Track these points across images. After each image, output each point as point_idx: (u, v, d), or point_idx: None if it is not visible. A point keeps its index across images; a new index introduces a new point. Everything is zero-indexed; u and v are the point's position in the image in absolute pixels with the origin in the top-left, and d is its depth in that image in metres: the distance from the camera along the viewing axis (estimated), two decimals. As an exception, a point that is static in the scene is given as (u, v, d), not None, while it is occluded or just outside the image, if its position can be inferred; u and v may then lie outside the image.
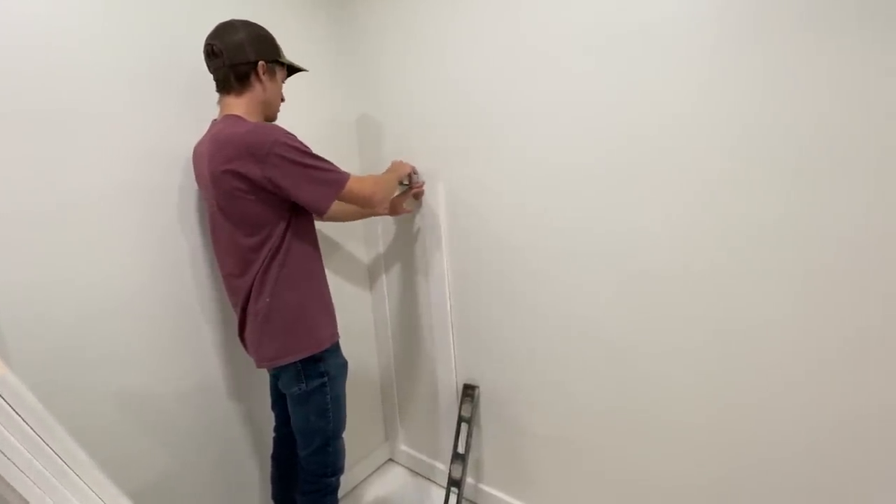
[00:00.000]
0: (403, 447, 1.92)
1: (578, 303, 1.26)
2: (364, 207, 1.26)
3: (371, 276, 1.83)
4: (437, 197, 1.50)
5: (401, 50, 1.49)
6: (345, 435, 1.26)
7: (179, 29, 1.19)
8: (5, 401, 0.52)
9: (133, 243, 1.15)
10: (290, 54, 1.20)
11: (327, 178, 1.07)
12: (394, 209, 1.54)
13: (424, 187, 1.52)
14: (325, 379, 1.15)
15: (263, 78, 1.10)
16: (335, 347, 1.19)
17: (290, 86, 1.26)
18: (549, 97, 1.20)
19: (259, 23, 1.12)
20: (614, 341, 1.22)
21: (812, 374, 0.96)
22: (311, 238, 1.18)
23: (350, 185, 1.10)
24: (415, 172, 1.50)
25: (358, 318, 1.81)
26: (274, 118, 1.19)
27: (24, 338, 0.99)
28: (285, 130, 1.03)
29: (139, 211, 1.15)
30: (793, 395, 0.98)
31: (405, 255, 1.68)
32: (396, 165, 1.42)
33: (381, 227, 1.74)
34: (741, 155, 0.95)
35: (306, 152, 1.04)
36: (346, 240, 1.73)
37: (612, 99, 1.10)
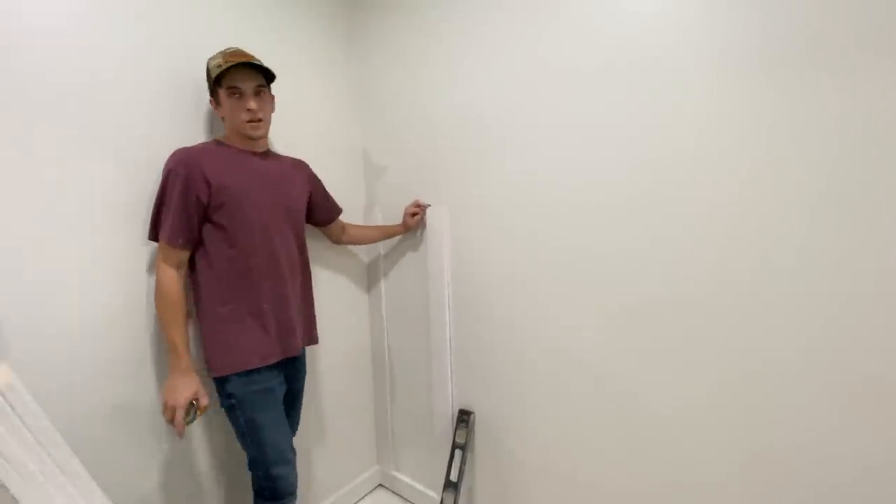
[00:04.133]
0: (395, 472, 1.88)
1: (578, 334, 1.27)
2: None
3: (371, 295, 1.84)
4: (440, 221, 1.52)
5: (410, 72, 1.55)
6: (308, 464, 1.24)
7: (198, 50, 1.23)
8: (12, 409, 0.53)
9: (141, 252, 1.16)
10: (302, 68, 1.29)
11: (156, 218, 1.10)
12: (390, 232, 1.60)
13: (428, 210, 1.55)
14: (233, 401, 1.14)
15: (218, 107, 1.18)
16: (244, 374, 1.14)
17: (300, 103, 1.34)
18: (554, 127, 1.24)
19: (275, 38, 1.29)
20: (614, 375, 1.22)
21: (831, 414, 0.94)
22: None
23: (158, 249, 1.11)
24: (419, 206, 1.54)
25: (355, 337, 1.81)
26: (246, 132, 1.17)
27: (31, 341, 1.00)
28: (174, 160, 1.09)
29: (130, 220, 1.15)
30: (811, 435, 0.97)
31: (406, 276, 1.69)
32: (174, 387, 1.09)
33: (383, 248, 1.76)
34: (749, 187, 0.97)
35: (162, 187, 1.09)
36: (347, 258, 1.75)
37: (618, 130, 1.13)
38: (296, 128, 1.50)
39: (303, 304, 1.32)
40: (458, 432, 1.54)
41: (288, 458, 1.22)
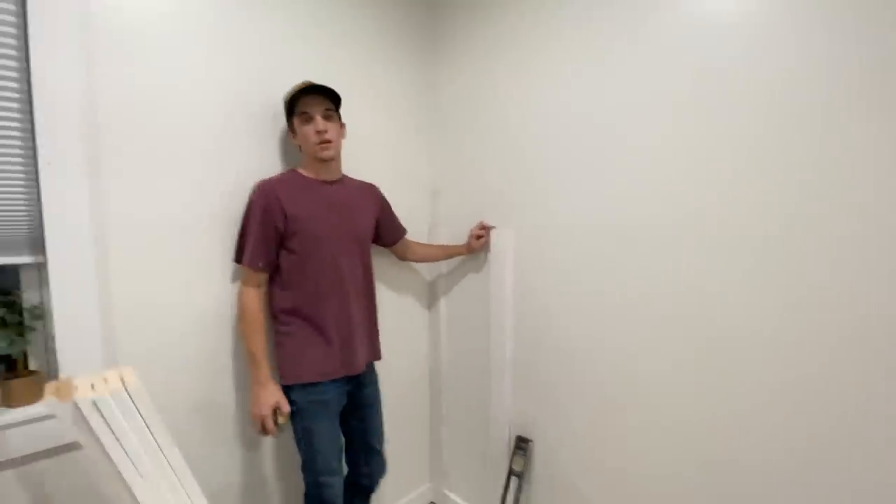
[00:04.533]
0: (447, 491, 1.88)
1: (643, 367, 1.22)
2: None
3: (431, 312, 1.87)
4: (506, 243, 1.52)
5: (482, 97, 1.57)
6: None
7: (276, 83, 1.32)
8: (137, 410, 0.60)
9: (222, 265, 1.27)
10: (375, 94, 1.46)
11: (240, 243, 1.23)
12: (454, 251, 1.63)
13: (493, 232, 1.55)
14: (294, 408, 1.22)
15: (294, 136, 1.28)
16: (306, 385, 1.22)
17: (377, 126, 1.47)
18: (630, 152, 1.20)
19: (352, 68, 1.46)
20: (688, 414, 1.15)
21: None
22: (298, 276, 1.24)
23: (241, 272, 1.24)
24: (484, 228, 1.55)
25: (413, 353, 1.84)
26: (317, 156, 1.25)
27: (133, 342, 1.13)
28: (257, 191, 1.20)
29: (221, 236, 1.26)
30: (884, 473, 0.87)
31: (468, 296, 1.70)
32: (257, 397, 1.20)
33: (446, 266, 1.78)
34: (813, 222, 0.90)
35: (246, 216, 1.22)
36: (409, 275, 1.79)
37: (682, 163, 1.09)
38: (367, 148, 1.57)
39: (367, 324, 1.37)
40: (515, 459, 1.51)
41: (334, 468, 1.27)
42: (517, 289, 1.51)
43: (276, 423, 1.18)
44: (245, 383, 1.31)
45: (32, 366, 1.09)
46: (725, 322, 1.06)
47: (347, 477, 1.41)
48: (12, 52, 0.97)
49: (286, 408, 1.19)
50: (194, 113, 1.21)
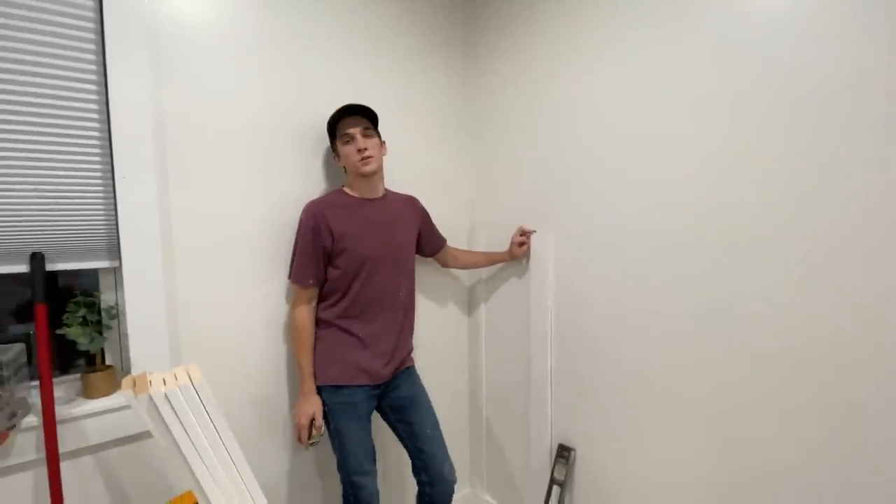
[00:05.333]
0: (487, 497, 1.87)
1: (691, 377, 1.17)
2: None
3: (471, 318, 1.87)
4: (546, 248, 1.51)
5: (524, 102, 1.58)
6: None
7: (324, 107, 1.38)
8: (204, 406, 0.65)
9: (274, 272, 1.35)
10: (414, 99, 1.52)
11: (291, 261, 1.32)
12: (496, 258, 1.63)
13: (533, 237, 1.55)
14: (326, 408, 1.28)
15: (338, 158, 1.36)
16: (335, 387, 1.28)
17: (413, 138, 1.53)
18: (677, 156, 1.17)
19: (389, 85, 1.52)
20: (730, 422, 1.09)
21: None
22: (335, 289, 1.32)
23: (292, 288, 1.32)
24: (524, 233, 1.55)
25: (453, 358, 1.85)
26: (360, 171, 1.30)
27: (194, 340, 1.22)
28: (307, 212, 1.29)
29: (272, 244, 1.35)
30: None
31: (508, 302, 1.70)
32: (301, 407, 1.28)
33: (485, 272, 1.79)
34: (874, 230, 0.83)
35: (297, 236, 1.30)
36: (449, 281, 1.81)
37: (739, 167, 1.04)
38: (405, 161, 1.61)
39: (400, 335, 1.40)
40: (556, 468, 1.49)
41: (366, 469, 1.30)
42: (559, 295, 1.50)
43: (310, 435, 1.25)
44: (295, 383, 1.37)
45: (108, 361, 1.19)
46: (780, 335, 1.01)
47: (418, 496, 1.41)
48: (92, 77, 1.08)
49: (319, 421, 1.26)
50: (247, 130, 1.30)
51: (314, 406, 1.26)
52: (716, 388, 1.13)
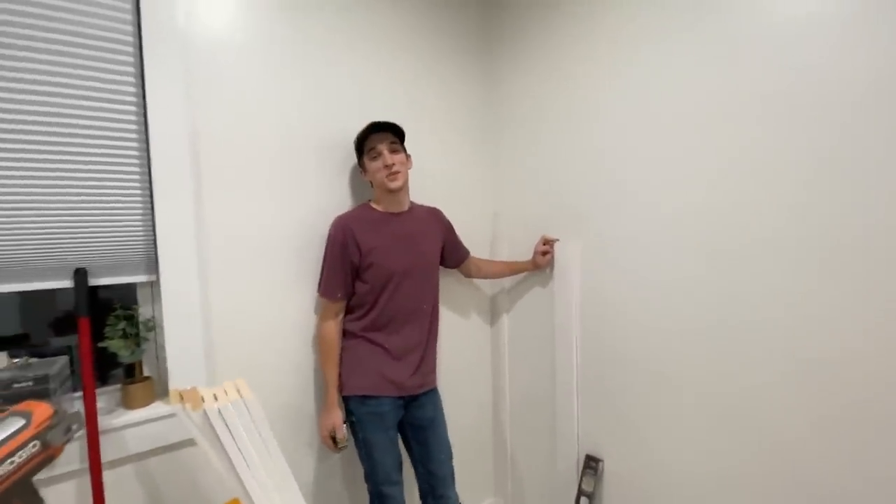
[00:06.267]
0: (511, 508, 1.86)
1: (724, 387, 1.15)
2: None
3: (493, 328, 1.88)
4: (571, 257, 1.51)
5: (542, 114, 1.59)
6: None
7: (349, 121, 1.42)
8: (252, 421, 0.66)
9: (302, 285, 1.38)
10: (445, 116, 1.53)
11: (321, 275, 1.35)
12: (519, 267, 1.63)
13: (557, 245, 1.55)
14: (353, 419, 1.31)
15: (365, 174, 1.38)
16: (362, 397, 1.30)
17: (440, 143, 1.58)
18: (710, 160, 1.17)
19: (417, 90, 1.58)
20: (763, 433, 1.08)
21: None
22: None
23: (321, 301, 1.36)
24: (547, 242, 1.55)
25: (475, 369, 1.85)
26: (387, 187, 1.32)
27: (228, 351, 1.25)
28: (335, 228, 1.32)
29: (301, 257, 1.38)
30: None
31: (531, 312, 1.70)
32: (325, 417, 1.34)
33: (508, 281, 1.79)
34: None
35: (326, 251, 1.34)
36: (470, 291, 1.82)
37: (760, 173, 1.04)
38: (428, 173, 1.62)
39: (424, 348, 1.41)
40: (584, 479, 1.48)
41: (394, 479, 1.31)
42: (585, 304, 1.49)
43: (335, 442, 1.29)
44: (323, 393, 1.39)
45: (145, 372, 1.22)
46: (816, 343, 1.00)
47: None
48: (131, 98, 1.12)
49: (340, 434, 1.30)
50: (276, 145, 1.33)
51: (334, 419, 1.30)
52: (749, 398, 1.11)
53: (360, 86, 1.48)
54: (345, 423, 1.33)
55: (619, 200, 1.37)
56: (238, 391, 0.71)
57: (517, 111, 1.70)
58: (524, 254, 1.65)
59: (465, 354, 1.81)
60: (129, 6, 1.10)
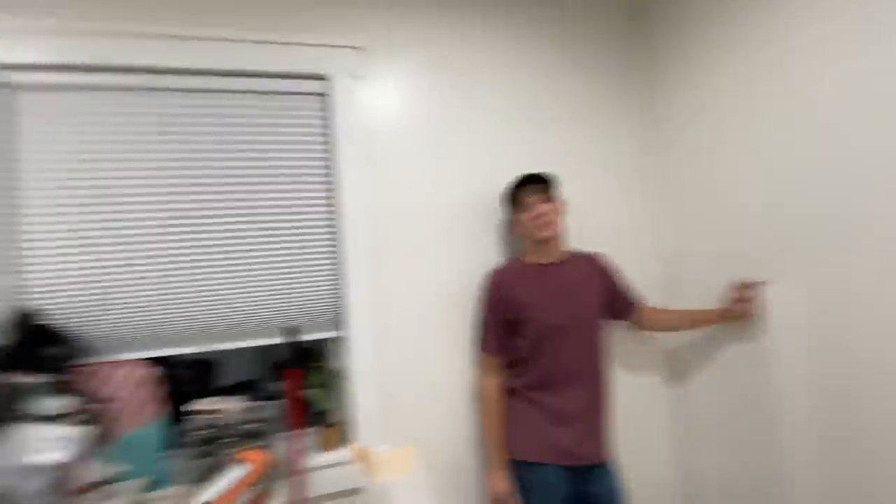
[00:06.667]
0: None
1: None
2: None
3: (672, 391, 1.59)
4: (793, 306, 1.19)
5: (709, 148, 1.39)
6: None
7: (507, 177, 1.42)
8: (422, 492, 0.66)
9: (461, 341, 1.43)
10: (597, 164, 1.45)
11: (478, 332, 1.36)
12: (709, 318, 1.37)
13: (765, 289, 1.26)
14: (521, 484, 1.24)
15: (518, 227, 1.36)
16: (527, 463, 1.23)
17: (596, 187, 1.52)
18: None
19: (565, 148, 1.55)
20: None
21: None
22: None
23: (481, 359, 1.34)
24: (746, 286, 1.28)
25: (648, 451, 1.58)
26: (537, 236, 1.29)
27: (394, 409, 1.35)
28: (489, 283, 1.33)
29: (462, 314, 1.42)
30: None
31: (730, 376, 1.39)
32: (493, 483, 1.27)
33: (691, 335, 1.50)
34: None
35: (481, 306, 1.35)
36: (638, 345, 1.59)
37: None
38: (587, 221, 1.54)
39: (591, 413, 1.29)
40: None
41: None
42: (816, 374, 1.15)
43: None
44: (486, 450, 1.37)
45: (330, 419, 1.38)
46: None
47: None
48: (320, 179, 1.35)
49: (511, 501, 1.23)
50: (435, 211, 1.44)
51: (501, 485, 1.25)
52: None
53: (510, 143, 1.52)
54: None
55: (866, 221, 1.04)
56: (406, 460, 0.73)
57: (685, 134, 1.49)
58: (706, 301, 1.39)
59: (633, 432, 1.55)
60: (318, 115, 1.36)
